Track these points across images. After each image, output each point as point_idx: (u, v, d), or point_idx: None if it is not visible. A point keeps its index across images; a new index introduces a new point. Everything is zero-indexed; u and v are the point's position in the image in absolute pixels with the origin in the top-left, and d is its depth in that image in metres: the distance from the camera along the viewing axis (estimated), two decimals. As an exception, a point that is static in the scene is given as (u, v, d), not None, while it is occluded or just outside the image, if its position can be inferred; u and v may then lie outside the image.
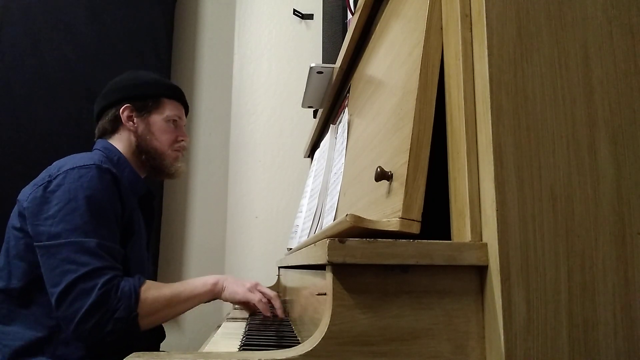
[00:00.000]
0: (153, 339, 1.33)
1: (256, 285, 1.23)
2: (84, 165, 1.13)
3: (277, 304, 1.24)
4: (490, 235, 0.55)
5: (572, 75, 0.58)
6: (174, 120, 1.35)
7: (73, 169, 1.12)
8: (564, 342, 0.53)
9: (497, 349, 0.53)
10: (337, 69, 1.27)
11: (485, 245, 0.55)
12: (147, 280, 1.10)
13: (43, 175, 1.15)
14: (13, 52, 2.21)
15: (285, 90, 2.35)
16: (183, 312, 1.15)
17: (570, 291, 0.53)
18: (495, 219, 0.54)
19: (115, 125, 1.31)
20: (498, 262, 0.53)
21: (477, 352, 0.55)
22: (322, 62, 1.41)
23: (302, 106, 1.61)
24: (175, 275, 2.39)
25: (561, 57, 0.58)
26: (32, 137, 2.16)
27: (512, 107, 0.56)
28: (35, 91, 2.20)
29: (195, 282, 1.19)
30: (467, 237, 0.57)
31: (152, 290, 1.08)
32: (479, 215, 0.57)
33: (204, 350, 0.86)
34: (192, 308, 1.17)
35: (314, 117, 1.81)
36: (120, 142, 1.31)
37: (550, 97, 0.57)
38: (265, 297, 1.22)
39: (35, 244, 1.08)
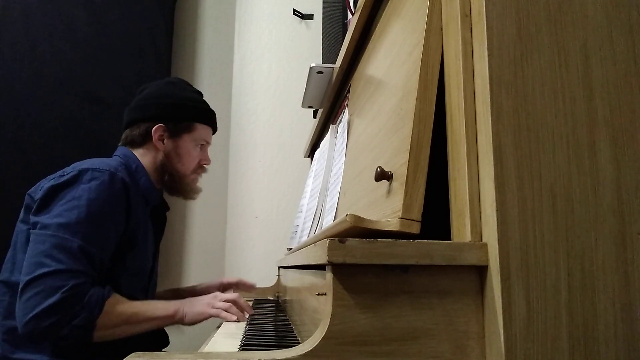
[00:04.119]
0: (156, 345, 1.32)
1: (215, 297, 1.21)
2: (98, 169, 1.14)
3: (241, 303, 1.21)
4: (490, 235, 0.55)
5: (572, 75, 0.58)
6: (202, 145, 1.36)
7: (88, 170, 1.13)
8: (564, 342, 0.53)
9: (497, 349, 0.53)
10: (337, 69, 1.27)
11: (485, 245, 0.56)
12: (115, 294, 1.09)
13: (58, 172, 1.17)
14: (13, 52, 2.21)
15: (285, 90, 2.36)
16: (140, 332, 1.12)
17: (570, 291, 0.53)
18: (495, 219, 0.54)
19: (144, 140, 1.31)
20: (498, 262, 0.53)
21: (477, 352, 0.55)
22: (322, 62, 1.41)
23: (302, 106, 1.61)
24: (176, 276, 2.39)
25: (561, 57, 0.58)
26: (32, 136, 2.16)
27: (512, 107, 0.56)
28: (35, 91, 2.20)
29: (158, 305, 1.17)
30: (467, 237, 0.57)
31: (117, 306, 1.07)
32: (479, 215, 0.57)
33: (204, 350, 0.86)
34: (150, 329, 1.15)
35: (314, 117, 1.81)
36: (145, 156, 1.31)
37: (550, 97, 0.57)
38: (228, 302, 1.20)
39: (31, 231, 1.09)
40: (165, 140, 1.31)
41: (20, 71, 2.21)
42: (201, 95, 1.40)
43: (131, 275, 1.20)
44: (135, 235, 1.19)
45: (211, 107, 1.40)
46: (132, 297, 1.18)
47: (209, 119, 1.38)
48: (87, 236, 1.07)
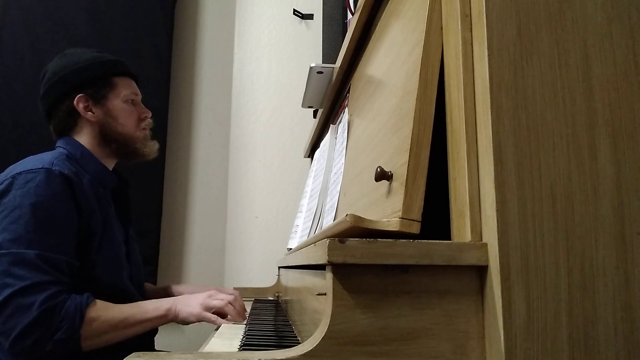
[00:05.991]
0: (146, 334, 1.30)
1: (210, 296, 1.15)
2: (32, 170, 1.06)
3: (237, 305, 1.15)
4: (490, 235, 0.55)
5: (572, 75, 0.58)
6: (132, 100, 1.28)
7: (20, 173, 1.06)
8: (564, 342, 0.53)
9: (497, 349, 0.53)
10: (337, 69, 1.27)
11: (485, 245, 0.56)
12: (97, 300, 1.04)
13: None
14: (13, 52, 2.22)
15: (285, 90, 2.36)
16: (132, 336, 1.08)
17: (570, 291, 0.53)
18: (495, 219, 0.54)
19: (74, 120, 1.23)
20: (498, 262, 0.53)
21: (477, 352, 0.55)
22: (322, 62, 1.41)
23: (302, 106, 1.61)
24: (175, 276, 2.39)
25: (561, 57, 0.58)
26: (32, 136, 2.16)
27: (512, 107, 0.56)
28: (35, 91, 2.19)
29: (147, 306, 1.12)
30: (467, 237, 0.57)
31: (100, 312, 1.02)
32: (479, 215, 0.57)
33: (204, 350, 0.86)
34: (144, 331, 1.11)
35: (314, 117, 1.81)
36: (83, 135, 1.24)
37: (550, 97, 0.57)
38: (224, 301, 1.14)
39: None
40: (92, 109, 1.22)
41: (20, 71, 2.21)
42: (102, 52, 1.31)
43: (104, 267, 1.14)
44: (92, 226, 1.12)
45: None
46: (118, 287, 1.15)
47: (123, 69, 1.29)
48: (43, 243, 1.01)
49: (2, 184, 1.06)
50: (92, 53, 1.28)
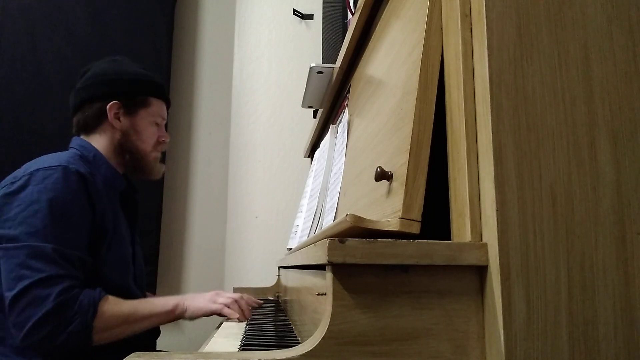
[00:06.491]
0: (148, 336, 1.31)
1: (217, 294, 1.20)
2: (50, 167, 1.09)
3: (242, 304, 1.19)
4: (490, 235, 0.55)
5: (572, 75, 0.58)
6: (158, 122, 1.33)
7: (38, 170, 1.09)
8: (564, 342, 0.53)
9: (497, 349, 0.53)
10: (337, 69, 1.27)
11: (485, 245, 0.56)
12: (108, 295, 1.06)
13: (9, 177, 1.13)
14: (13, 52, 2.22)
15: (285, 90, 2.36)
16: (140, 331, 1.11)
17: (570, 291, 0.53)
18: (495, 219, 0.54)
19: (99, 121, 1.27)
20: (498, 262, 0.53)
21: (477, 352, 0.55)
22: (322, 62, 1.40)
23: (302, 106, 1.61)
24: (176, 276, 2.39)
25: (561, 57, 0.58)
26: (32, 136, 2.16)
27: (512, 107, 0.56)
28: (35, 91, 2.20)
29: (156, 301, 1.15)
30: (467, 237, 0.57)
31: (111, 306, 1.05)
32: (479, 215, 0.57)
33: (204, 350, 0.86)
34: (150, 327, 1.13)
35: (314, 117, 1.81)
36: (101, 138, 1.27)
37: (550, 97, 0.57)
38: (230, 299, 1.18)
39: None
40: (121, 118, 1.27)
41: (20, 71, 2.21)
42: (148, 71, 1.37)
43: (112, 266, 1.16)
44: (104, 225, 1.16)
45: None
46: (124, 287, 1.17)
47: (162, 93, 1.35)
48: (58, 238, 1.03)
49: (20, 179, 1.09)
50: (140, 69, 1.34)
